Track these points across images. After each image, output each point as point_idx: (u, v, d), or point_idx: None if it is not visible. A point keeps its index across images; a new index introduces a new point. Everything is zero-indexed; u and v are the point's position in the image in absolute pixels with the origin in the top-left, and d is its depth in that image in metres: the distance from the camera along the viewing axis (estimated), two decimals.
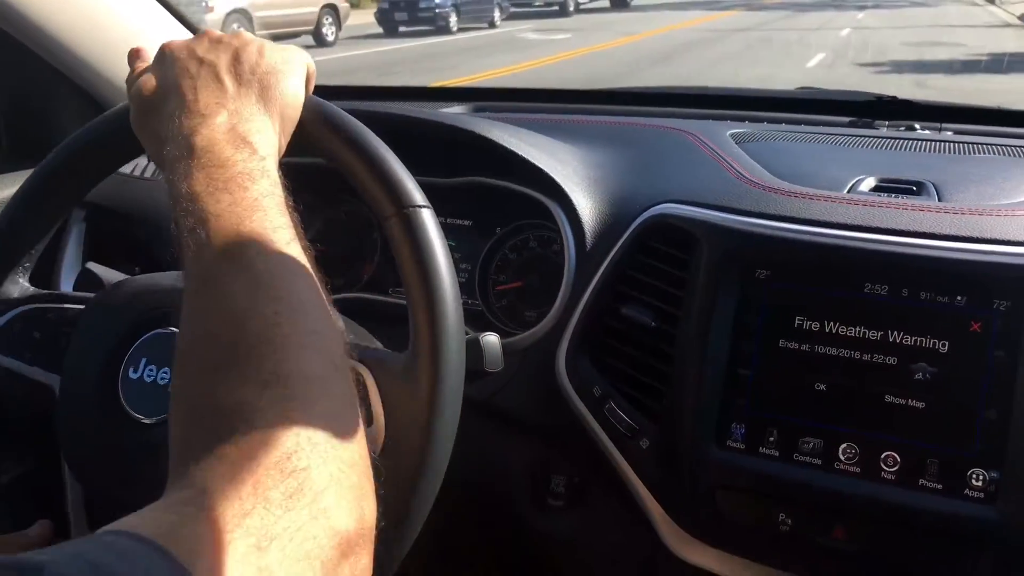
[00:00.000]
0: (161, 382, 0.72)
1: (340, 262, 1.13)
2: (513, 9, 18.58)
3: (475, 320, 1.02)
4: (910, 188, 0.87)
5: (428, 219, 0.69)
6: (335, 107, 0.73)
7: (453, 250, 1.05)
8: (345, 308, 1.01)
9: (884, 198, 0.83)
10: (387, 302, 1.06)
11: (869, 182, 0.89)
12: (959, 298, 0.74)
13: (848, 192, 0.86)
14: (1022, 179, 0.88)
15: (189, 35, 1.31)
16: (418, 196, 0.70)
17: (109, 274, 0.86)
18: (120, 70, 1.20)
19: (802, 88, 1.33)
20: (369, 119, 1.02)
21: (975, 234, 0.76)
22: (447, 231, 1.04)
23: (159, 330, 0.74)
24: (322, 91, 1.63)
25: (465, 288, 1.06)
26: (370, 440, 0.65)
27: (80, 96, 1.20)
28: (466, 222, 1.08)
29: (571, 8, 19.27)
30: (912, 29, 13.15)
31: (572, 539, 0.96)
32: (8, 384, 0.79)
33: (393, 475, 0.64)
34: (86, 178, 0.80)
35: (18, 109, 1.24)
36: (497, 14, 17.10)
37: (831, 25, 15.33)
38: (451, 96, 1.47)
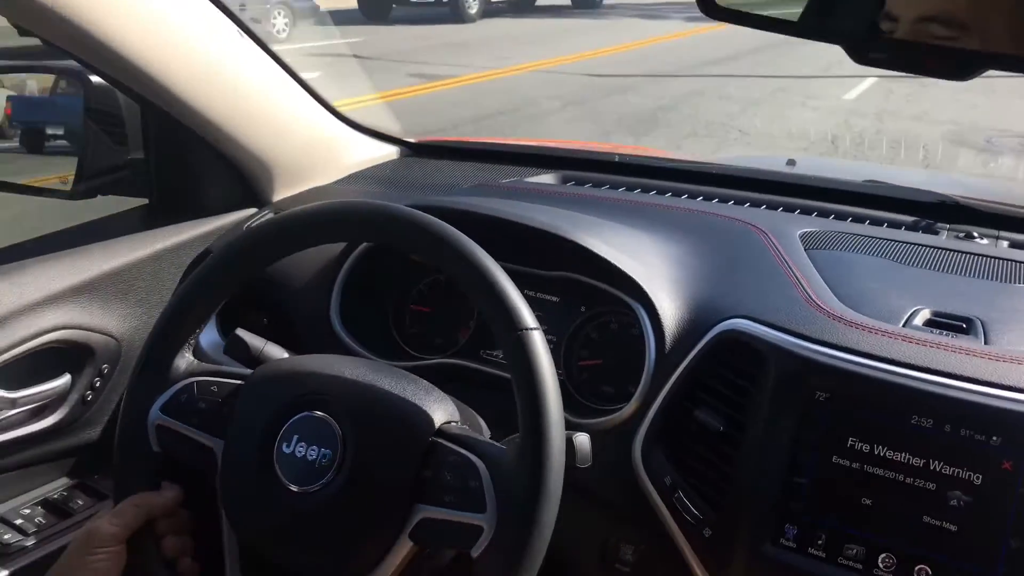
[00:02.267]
0: (310, 458, 0.85)
1: (439, 323, 1.27)
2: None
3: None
4: (960, 325, 0.97)
5: (538, 341, 0.83)
6: (451, 230, 0.87)
7: (540, 321, 1.19)
8: (442, 372, 1.16)
9: (935, 336, 0.94)
10: (480, 371, 1.19)
11: (924, 315, 0.99)
12: (994, 438, 0.85)
13: (904, 326, 0.97)
14: None
15: (318, 108, 1.46)
16: (530, 320, 0.84)
17: (255, 340, 1.00)
18: (257, 141, 1.36)
19: (869, 182, 1.42)
20: (475, 220, 1.16)
21: (1011, 383, 0.87)
22: (536, 305, 1.19)
23: (306, 413, 0.87)
24: (418, 147, 1.79)
25: None
26: (484, 522, 0.79)
27: (221, 160, 1.35)
28: (554, 298, 1.21)
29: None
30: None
31: None
32: (176, 444, 0.93)
33: (501, 549, 0.78)
34: (247, 273, 0.95)
35: (166, 169, 1.40)
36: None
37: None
38: (541, 162, 1.59)
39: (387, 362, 1.13)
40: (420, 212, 0.88)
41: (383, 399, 0.88)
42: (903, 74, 0.62)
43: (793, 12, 0.71)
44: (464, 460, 0.83)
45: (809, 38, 0.68)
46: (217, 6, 1.22)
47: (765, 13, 0.73)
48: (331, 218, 0.92)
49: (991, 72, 0.58)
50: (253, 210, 1.44)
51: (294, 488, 0.85)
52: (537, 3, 17.09)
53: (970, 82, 0.57)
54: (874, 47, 0.61)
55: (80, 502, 1.31)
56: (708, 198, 1.40)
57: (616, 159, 1.59)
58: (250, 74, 1.30)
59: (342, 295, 1.24)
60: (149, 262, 1.31)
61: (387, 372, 0.91)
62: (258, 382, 0.92)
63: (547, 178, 1.52)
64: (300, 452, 0.86)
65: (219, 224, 1.40)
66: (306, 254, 0.99)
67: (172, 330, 0.94)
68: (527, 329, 0.83)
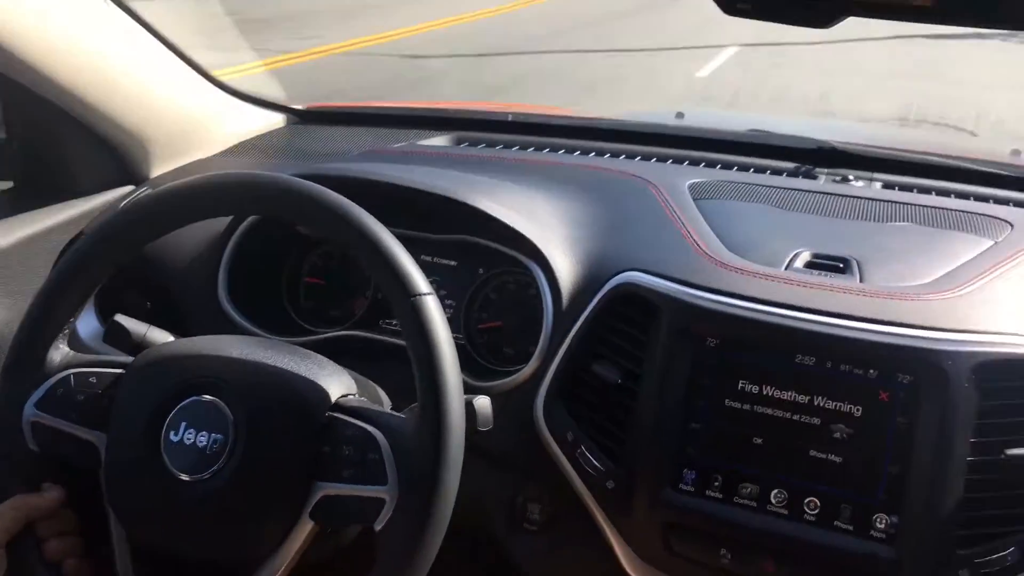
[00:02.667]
0: (200, 445, 0.82)
1: (335, 295, 1.25)
2: None
3: (458, 354, 1.15)
4: (837, 265, 1.01)
5: (432, 306, 0.82)
6: (339, 199, 0.85)
7: (438, 287, 1.19)
8: (340, 346, 1.14)
9: (814, 277, 0.98)
10: (379, 341, 1.18)
11: (804, 257, 1.03)
12: (871, 371, 0.90)
13: (786, 268, 1.01)
14: (932, 256, 1.02)
15: (195, 76, 1.40)
16: (423, 285, 0.83)
17: (136, 326, 0.96)
18: (129, 114, 1.29)
19: (753, 131, 1.46)
20: (368, 187, 1.14)
21: (885, 317, 0.91)
22: (433, 270, 1.19)
23: (194, 397, 0.84)
24: (306, 114, 1.74)
25: (450, 324, 1.18)
26: (385, 494, 0.79)
27: (91, 136, 1.28)
28: (452, 262, 1.20)
29: None
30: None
31: (544, 560, 1.11)
32: (55, 442, 0.88)
33: (404, 521, 0.78)
34: (120, 256, 0.90)
35: (31, 149, 1.32)
36: None
37: None
38: (434, 124, 1.57)
39: (280, 339, 1.11)
40: (306, 181, 0.86)
41: (274, 377, 0.85)
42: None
43: None
44: (363, 433, 0.82)
45: None
46: None
47: None
48: (211, 191, 0.88)
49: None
50: (130, 188, 1.37)
51: (185, 477, 0.82)
52: None
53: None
54: None
55: None
56: (600, 153, 1.41)
57: (509, 118, 1.58)
58: (117, 43, 1.23)
59: (230, 272, 1.20)
60: (18, 249, 1.23)
61: (278, 349, 0.89)
62: (140, 369, 0.89)
63: (440, 140, 1.50)
64: (189, 439, 0.83)
65: (93, 204, 1.33)
66: (188, 231, 0.95)
67: (42, 320, 0.90)
68: (420, 295, 0.82)
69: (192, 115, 1.43)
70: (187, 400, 0.84)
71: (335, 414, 0.84)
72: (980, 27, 0.56)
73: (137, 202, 0.90)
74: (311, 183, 0.86)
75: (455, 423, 0.79)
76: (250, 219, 1.20)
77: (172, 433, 0.83)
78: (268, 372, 0.86)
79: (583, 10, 9.86)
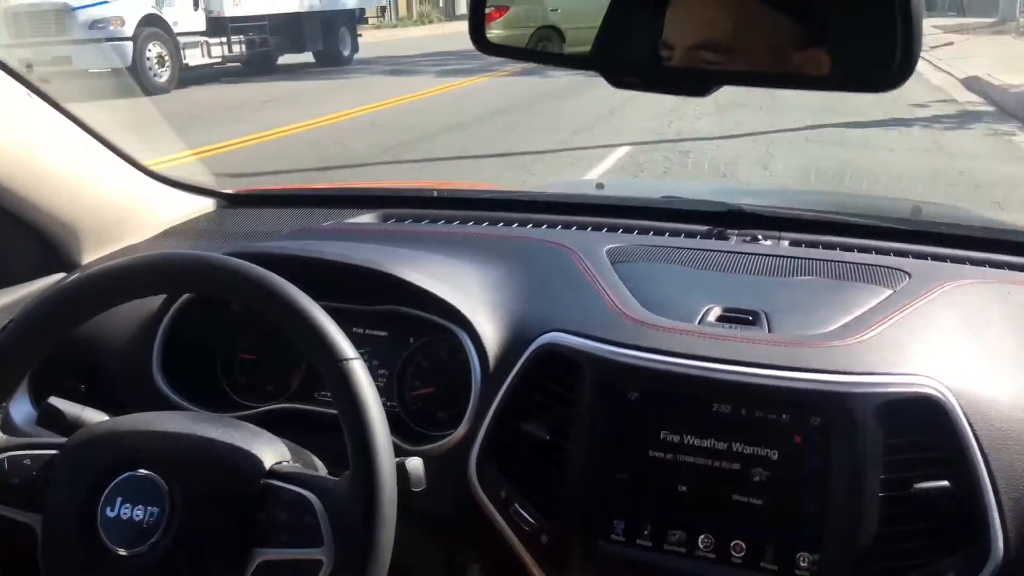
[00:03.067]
0: (136, 519, 0.83)
1: (270, 370, 1.26)
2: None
3: (392, 421, 1.16)
4: (747, 318, 1.07)
5: (358, 369, 0.85)
6: (264, 272, 0.88)
7: (371, 357, 1.21)
8: (277, 419, 1.15)
9: (726, 330, 1.04)
10: (314, 411, 1.19)
11: (716, 311, 1.09)
12: (784, 416, 0.95)
13: (699, 323, 1.06)
14: (836, 305, 1.09)
15: (123, 165, 1.42)
16: (348, 350, 0.86)
17: (70, 407, 0.96)
18: (57, 202, 1.30)
19: (667, 198, 1.54)
20: (296, 263, 1.17)
21: (793, 364, 0.97)
22: (365, 341, 1.21)
23: (128, 473, 0.85)
24: (235, 198, 1.76)
25: (383, 392, 1.21)
26: (322, 555, 0.80)
27: (19, 224, 1.29)
28: (382, 333, 1.23)
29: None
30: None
31: None
32: None
33: None
34: (48, 341, 0.91)
35: None
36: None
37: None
38: (360, 203, 1.62)
39: (214, 414, 1.12)
40: (231, 258, 0.89)
41: (207, 448, 0.87)
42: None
43: (577, 47, 0.77)
44: (297, 497, 0.84)
45: (599, 71, 0.74)
46: (1, 68, 1.17)
47: (542, 49, 0.79)
48: (137, 272, 0.90)
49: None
50: (61, 275, 1.38)
51: (122, 552, 0.82)
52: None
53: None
54: (627, 72, 0.68)
55: None
56: (523, 224, 1.47)
57: (434, 194, 1.64)
58: (42, 134, 1.26)
59: (164, 350, 1.21)
60: None
61: (210, 421, 0.91)
62: (74, 448, 0.89)
63: (367, 218, 1.55)
64: (126, 514, 0.84)
65: (23, 293, 1.33)
66: (119, 313, 0.96)
67: None
68: (346, 360, 0.85)
69: (121, 202, 1.45)
70: (122, 475, 0.85)
71: (269, 481, 0.85)
72: (837, 91, 0.63)
73: (63, 287, 0.91)
74: (234, 259, 0.89)
75: (386, 481, 0.82)
76: (183, 298, 1.22)
77: (108, 509, 0.84)
78: (201, 443, 0.87)
79: (482, 103, 9.67)
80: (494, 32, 0.77)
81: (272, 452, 0.88)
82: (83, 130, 1.34)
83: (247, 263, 0.88)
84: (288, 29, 14.01)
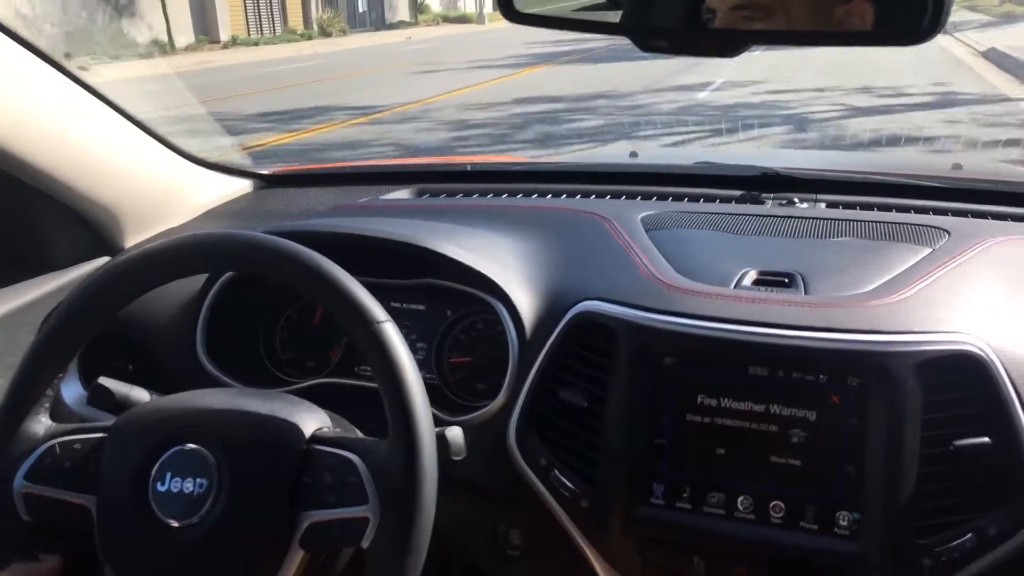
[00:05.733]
0: (187, 491, 0.86)
1: (312, 346, 1.29)
2: None
3: (432, 393, 1.19)
4: (782, 281, 1.07)
5: (391, 332, 0.87)
6: (296, 246, 0.90)
7: (409, 331, 1.23)
8: (318, 393, 1.18)
9: (762, 293, 1.04)
10: (356, 386, 1.22)
11: (751, 275, 1.09)
12: (821, 377, 0.95)
13: (735, 287, 1.06)
14: (873, 265, 1.08)
15: (161, 148, 1.45)
16: (380, 313, 0.88)
17: (119, 387, 0.99)
18: (98, 187, 1.34)
19: (700, 163, 1.53)
20: (333, 240, 1.19)
21: (829, 325, 0.96)
22: (404, 315, 1.23)
23: (176, 448, 0.88)
24: (272, 178, 1.78)
25: (423, 365, 1.23)
26: (368, 513, 0.83)
27: (63, 210, 1.33)
28: (420, 307, 1.24)
29: None
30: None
31: None
32: (48, 509, 0.91)
33: (389, 535, 0.81)
34: (95, 323, 0.94)
35: (5, 227, 1.36)
36: None
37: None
38: (394, 179, 1.63)
39: (255, 389, 1.14)
40: (261, 234, 0.91)
41: (251, 419, 0.90)
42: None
43: (607, 13, 0.76)
44: (341, 459, 0.86)
45: (629, 36, 0.74)
46: (41, 57, 1.20)
47: (578, 16, 0.79)
48: (172, 254, 0.93)
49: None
50: (106, 259, 1.41)
51: (175, 524, 0.85)
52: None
53: None
54: (656, 35, 0.68)
55: None
56: (557, 195, 1.47)
57: (468, 168, 1.65)
58: (81, 119, 1.28)
59: (207, 329, 1.24)
60: (0, 326, 1.27)
61: (253, 394, 0.94)
62: (122, 428, 0.92)
63: (402, 194, 1.56)
64: (176, 487, 0.86)
65: (71, 277, 1.36)
66: (163, 293, 0.99)
67: (24, 394, 0.93)
68: (378, 323, 0.87)
69: (161, 186, 1.48)
70: (169, 451, 0.88)
71: (313, 446, 0.88)
72: (870, 45, 0.62)
73: (101, 273, 0.94)
74: (264, 235, 0.91)
75: (425, 436, 0.84)
76: (225, 277, 1.24)
77: (159, 484, 0.87)
78: (243, 415, 0.90)
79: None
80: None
81: (313, 420, 0.91)
82: (121, 115, 1.37)
83: (276, 238, 0.90)
84: None
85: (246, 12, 25.69)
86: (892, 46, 0.61)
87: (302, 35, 26.37)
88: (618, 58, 13.82)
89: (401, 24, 33.29)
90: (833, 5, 0.63)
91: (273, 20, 27.48)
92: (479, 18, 33.45)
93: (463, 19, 35.36)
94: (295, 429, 0.89)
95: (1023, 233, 1.17)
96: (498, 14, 0.80)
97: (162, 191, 1.48)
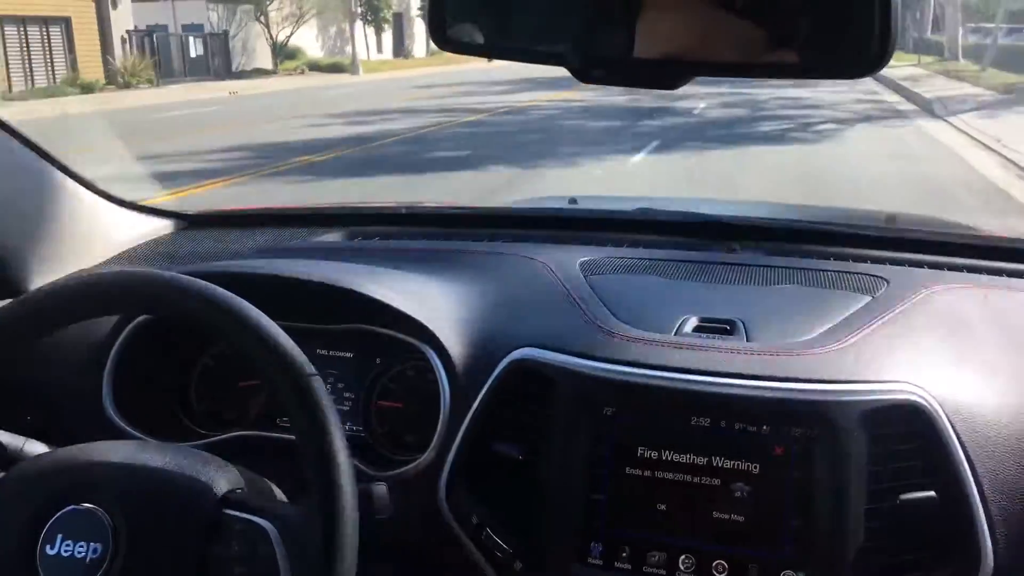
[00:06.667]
0: (79, 556, 0.78)
1: (230, 396, 1.21)
2: None
3: (359, 447, 1.12)
4: (724, 328, 1.04)
5: (316, 386, 0.81)
6: (212, 287, 0.84)
7: (336, 380, 1.16)
8: (238, 447, 1.10)
9: (704, 340, 1.00)
10: (279, 439, 1.14)
11: (692, 322, 1.05)
12: (764, 427, 0.91)
13: (676, 334, 1.02)
14: (814, 313, 1.06)
15: (74, 186, 1.37)
16: (306, 367, 0.82)
17: (11, 439, 0.91)
18: (4, 227, 1.25)
19: (641, 209, 1.51)
20: (256, 282, 1.12)
21: (772, 373, 0.93)
22: (330, 363, 1.16)
23: (71, 507, 0.80)
24: (195, 219, 1.69)
25: (350, 415, 1.16)
26: None
27: None
28: (348, 354, 1.18)
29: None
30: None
31: None
32: None
33: None
34: None
35: None
36: None
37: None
38: (326, 221, 1.57)
39: (164, 442, 1.06)
40: (174, 274, 0.84)
41: (156, 478, 0.82)
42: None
43: (544, 42, 0.73)
44: (252, 526, 0.79)
45: (565, 65, 0.70)
46: None
47: (513, 45, 0.75)
48: (66, 296, 0.86)
49: None
50: (6, 302, 1.32)
51: None
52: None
53: None
54: (594, 65, 0.64)
55: None
56: (494, 239, 1.43)
57: (403, 211, 1.60)
58: None
59: (115, 378, 1.15)
60: None
61: (159, 449, 0.86)
62: (11, 483, 0.84)
63: (334, 236, 1.50)
64: (67, 551, 0.79)
65: None
66: (68, 336, 0.91)
67: None
68: (303, 376, 0.81)
69: (72, 225, 1.39)
70: (63, 510, 0.80)
71: (223, 510, 0.81)
72: (811, 78, 0.60)
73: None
74: (181, 275, 0.85)
75: (347, 505, 0.78)
76: (135, 322, 1.16)
77: (48, 547, 0.79)
78: (148, 473, 0.82)
79: None
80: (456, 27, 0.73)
81: (225, 479, 0.83)
82: (32, 151, 1.29)
83: (191, 278, 0.84)
84: None
85: (5, 55, 19.33)
86: (835, 79, 0.59)
87: (85, 87, 19.93)
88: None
89: (256, 72, 28.26)
90: (768, 37, 0.61)
91: (51, 67, 21.07)
92: (352, 67, 28.96)
93: (336, 67, 30.03)
94: (204, 490, 0.81)
95: (960, 282, 1.16)
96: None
97: (73, 231, 1.40)
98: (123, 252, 1.48)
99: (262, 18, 29.94)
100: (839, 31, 0.62)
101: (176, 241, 1.56)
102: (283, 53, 30.96)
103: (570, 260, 1.24)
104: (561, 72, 0.67)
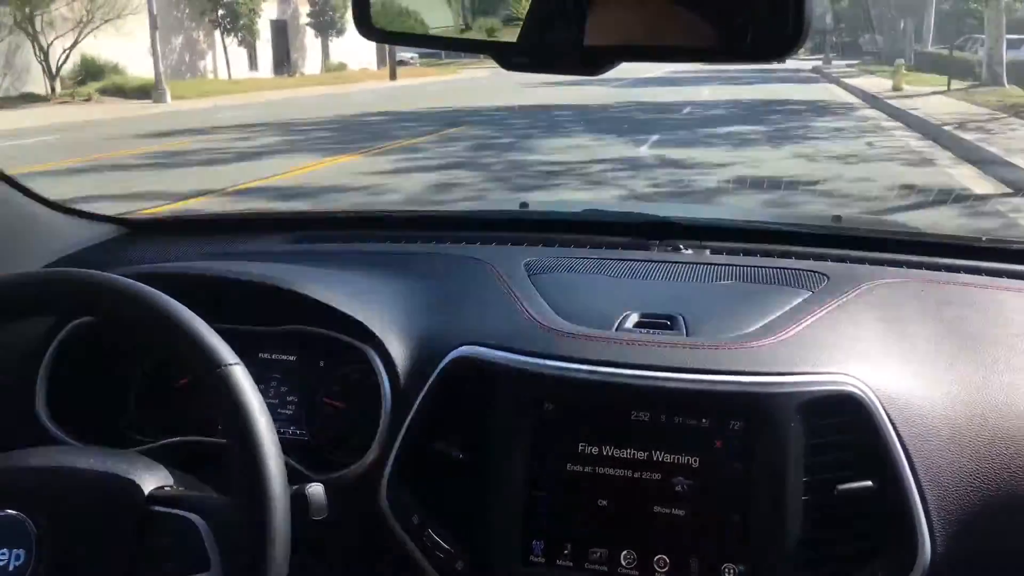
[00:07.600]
0: (0, 564, 0.75)
1: (167, 402, 1.18)
2: None
3: (303, 450, 1.10)
4: (664, 323, 1.04)
5: (239, 375, 0.79)
6: (140, 285, 0.82)
7: (279, 384, 1.14)
8: (178, 454, 1.07)
9: (643, 335, 1.00)
10: (217, 443, 1.11)
11: (633, 318, 1.05)
12: (704, 420, 0.91)
13: (616, 330, 1.02)
14: (754, 308, 1.06)
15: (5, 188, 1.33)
16: (228, 355, 0.80)
17: None
18: None
19: (588, 210, 1.51)
20: (186, 282, 1.10)
21: (711, 366, 0.93)
22: (273, 367, 1.14)
23: None
24: (138, 225, 1.66)
25: (293, 420, 1.14)
26: None
27: None
28: (291, 357, 1.16)
29: None
30: None
31: None
32: None
33: None
34: None
35: None
36: None
37: None
38: (272, 226, 1.54)
39: (89, 446, 1.04)
40: (92, 272, 0.82)
41: (79, 480, 0.80)
42: None
43: (467, 30, 0.72)
44: (181, 520, 0.78)
45: (490, 53, 0.69)
46: None
47: (439, 34, 0.74)
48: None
49: None
50: None
51: None
52: None
53: None
54: (516, 52, 0.64)
55: None
56: (440, 241, 1.42)
57: (352, 215, 1.58)
58: None
59: (48, 384, 1.12)
60: None
61: (83, 452, 0.84)
62: None
63: (280, 241, 1.48)
64: None
65: None
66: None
67: None
68: (226, 365, 0.79)
69: (4, 229, 1.35)
70: None
71: (151, 507, 0.79)
72: (735, 63, 0.60)
73: None
74: (89, 271, 0.83)
75: (274, 488, 0.76)
76: (70, 326, 1.13)
77: None
78: (71, 475, 0.80)
79: None
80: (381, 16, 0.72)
81: (152, 477, 0.82)
82: None
83: (110, 275, 0.82)
84: None
85: None
86: (754, 63, 0.59)
87: None
88: None
89: (24, 99, 19.26)
90: (696, 21, 0.61)
91: None
92: (157, 92, 19.44)
93: (143, 91, 19.93)
94: (130, 488, 0.80)
95: (898, 277, 1.18)
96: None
97: (7, 234, 1.36)
98: (60, 259, 1.44)
99: (28, 26, 20.17)
100: (762, 15, 0.62)
101: (116, 247, 1.52)
102: (89, 70, 21.82)
103: (515, 260, 1.23)
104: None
